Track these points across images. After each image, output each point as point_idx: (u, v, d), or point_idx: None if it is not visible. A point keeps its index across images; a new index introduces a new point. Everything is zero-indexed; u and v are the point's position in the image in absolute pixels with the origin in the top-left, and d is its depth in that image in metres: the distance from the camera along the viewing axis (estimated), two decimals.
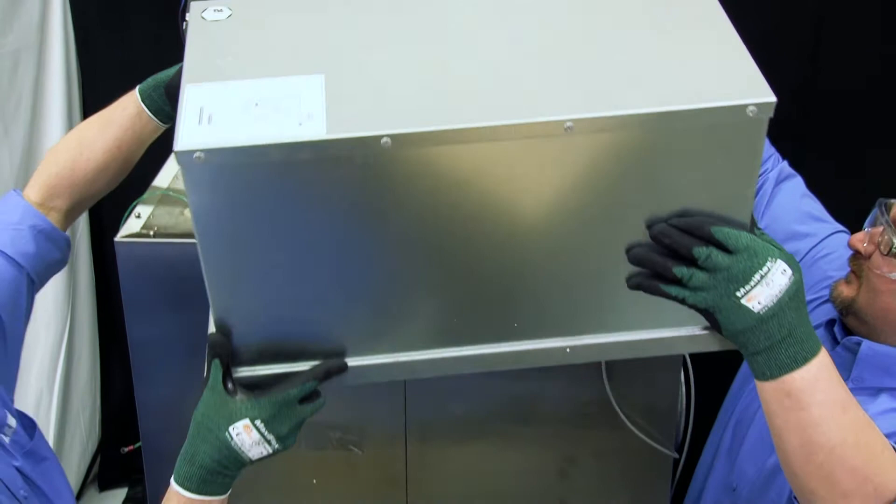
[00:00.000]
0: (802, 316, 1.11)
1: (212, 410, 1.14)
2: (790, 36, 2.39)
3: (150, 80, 1.47)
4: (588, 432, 1.72)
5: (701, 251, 1.09)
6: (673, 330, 1.21)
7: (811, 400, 1.11)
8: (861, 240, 1.46)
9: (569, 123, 1.04)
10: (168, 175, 1.78)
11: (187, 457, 1.16)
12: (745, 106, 1.04)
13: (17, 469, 1.38)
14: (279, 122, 1.03)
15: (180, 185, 1.76)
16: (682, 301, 1.13)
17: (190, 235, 1.60)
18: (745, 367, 1.71)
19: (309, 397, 1.17)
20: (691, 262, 1.10)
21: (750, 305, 1.09)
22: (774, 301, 1.09)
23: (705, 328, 1.19)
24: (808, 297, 1.60)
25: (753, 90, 1.05)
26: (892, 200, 1.46)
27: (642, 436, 1.66)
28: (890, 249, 1.39)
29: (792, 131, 2.41)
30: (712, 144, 1.06)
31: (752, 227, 1.14)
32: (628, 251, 1.13)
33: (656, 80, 1.07)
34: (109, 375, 2.87)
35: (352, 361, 1.19)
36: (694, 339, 1.21)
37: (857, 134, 2.47)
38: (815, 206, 1.73)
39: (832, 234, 1.69)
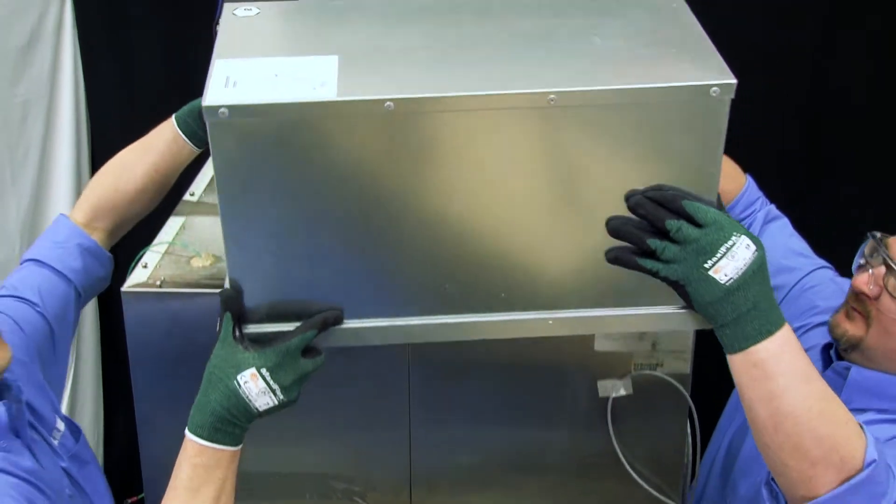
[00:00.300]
0: (766, 290, 1.22)
1: (222, 361, 1.26)
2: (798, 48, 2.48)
3: (185, 108, 1.60)
4: (593, 483, 1.73)
5: (672, 223, 1.21)
6: (650, 308, 1.32)
7: (776, 370, 1.21)
8: (865, 282, 1.50)
9: (552, 96, 1.19)
10: (201, 184, 1.88)
11: (200, 406, 1.26)
12: (710, 86, 1.19)
13: (64, 469, 1.52)
14: (296, 88, 1.20)
15: (208, 199, 1.80)
16: (656, 274, 1.23)
17: (197, 286, 1.61)
18: None
19: (310, 353, 1.29)
20: (664, 236, 1.22)
21: (717, 277, 1.20)
22: (739, 273, 1.20)
23: (681, 308, 1.30)
24: (799, 324, 1.71)
25: (717, 74, 1.21)
26: (882, 234, 1.53)
27: (648, 487, 1.66)
28: None
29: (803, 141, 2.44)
30: (681, 121, 1.21)
31: (720, 207, 1.26)
32: (607, 223, 1.25)
33: (631, 65, 1.23)
34: (113, 425, 2.87)
35: (352, 323, 1.32)
36: (669, 318, 1.32)
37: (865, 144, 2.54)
38: (801, 245, 1.83)
39: (817, 268, 1.78)
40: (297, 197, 1.23)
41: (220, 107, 1.16)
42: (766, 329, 1.21)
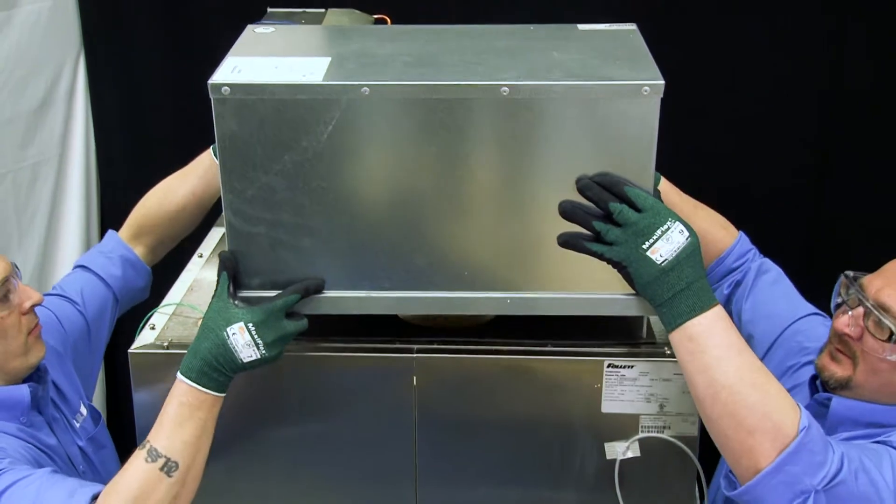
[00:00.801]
0: (699, 273, 1.38)
1: (216, 314, 1.45)
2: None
3: None
4: None
5: (615, 206, 1.39)
6: (599, 293, 1.49)
7: (709, 343, 1.36)
8: (846, 324, 1.56)
9: (505, 88, 1.40)
10: (209, 245, 2.02)
11: (192, 351, 1.45)
12: (641, 85, 1.40)
13: (80, 448, 1.76)
14: (289, 74, 1.43)
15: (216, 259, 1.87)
16: (602, 256, 1.41)
17: None
18: None
19: (293, 317, 1.47)
20: (609, 220, 1.40)
21: (654, 258, 1.37)
22: (674, 255, 1.37)
23: (627, 294, 1.47)
24: (791, 363, 1.82)
25: (649, 76, 1.42)
26: (856, 273, 1.60)
27: None
28: (891, 336, 1.50)
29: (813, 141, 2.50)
30: (618, 116, 1.41)
31: (657, 197, 1.43)
32: (560, 206, 1.42)
33: (578, 69, 1.45)
34: None
35: (333, 293, 1.51)
36: (616, 302, 1.49)
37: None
38: (793, 292, 1.94)
39: (807, 315, 1.88)
40: (285, 171, 1.44)
41: (223, 84, 1.40)
42: (699, 306, 1.37)
